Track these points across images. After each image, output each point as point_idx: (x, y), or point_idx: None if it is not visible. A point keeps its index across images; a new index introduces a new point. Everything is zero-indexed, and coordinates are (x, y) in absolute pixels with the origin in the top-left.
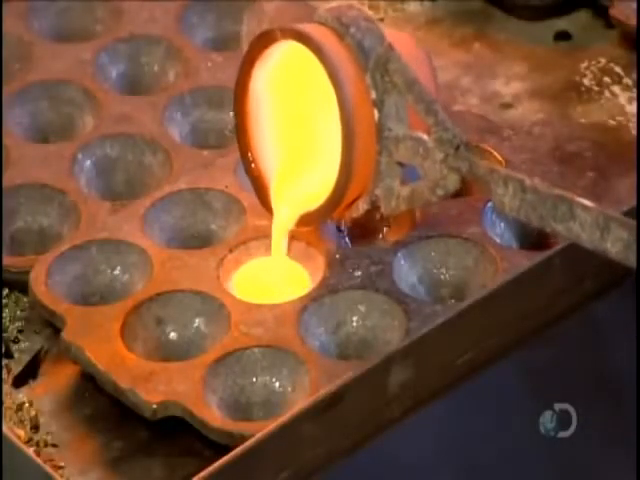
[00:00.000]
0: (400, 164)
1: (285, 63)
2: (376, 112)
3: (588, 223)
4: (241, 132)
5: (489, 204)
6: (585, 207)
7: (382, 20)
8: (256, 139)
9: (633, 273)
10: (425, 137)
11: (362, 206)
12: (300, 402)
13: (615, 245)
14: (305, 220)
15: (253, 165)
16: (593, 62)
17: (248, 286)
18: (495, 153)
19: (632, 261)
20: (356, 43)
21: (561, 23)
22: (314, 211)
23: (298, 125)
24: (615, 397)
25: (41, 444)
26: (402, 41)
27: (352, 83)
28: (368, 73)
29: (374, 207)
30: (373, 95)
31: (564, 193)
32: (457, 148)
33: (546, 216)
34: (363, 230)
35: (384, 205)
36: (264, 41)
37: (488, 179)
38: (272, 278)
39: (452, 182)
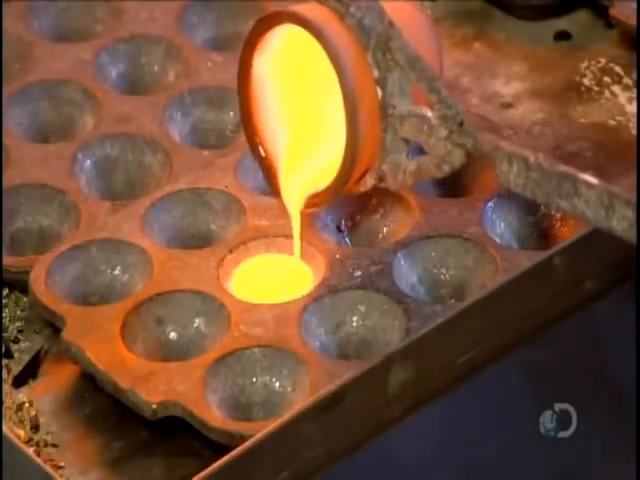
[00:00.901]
0: (406, 140)
1: (287, 45)
2: (379, 90)
3: (592, 201)
4: (246, 116)
5: (489, 204)
6: (589, 185)
7: None
8: (262, 122)
9: (633, 273)
10: (429, 114)
11: (369, 181)
12: (300, 402)
13: (620, 223)
14: (314, 200)
15: (260, 148)
16: (593, 62)
17: (249, 283)
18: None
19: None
20: (356, 22)
21: (561, 23)
22: (322, 191)
23: (303, 106)
24: (615, 397)
25: (41, 444)
26: (404, 13)
27: (353, 63)
28: (369, 52)
29: (381, 181)
30: (375, 74)
31: (568, 170)
32: (461, 124)
33: (551, 193)
34: (363, 230)
35: (391, 180)
36: (264, 25)
37: (492, 156)
38: (275, 275)
39: (457, 157)
